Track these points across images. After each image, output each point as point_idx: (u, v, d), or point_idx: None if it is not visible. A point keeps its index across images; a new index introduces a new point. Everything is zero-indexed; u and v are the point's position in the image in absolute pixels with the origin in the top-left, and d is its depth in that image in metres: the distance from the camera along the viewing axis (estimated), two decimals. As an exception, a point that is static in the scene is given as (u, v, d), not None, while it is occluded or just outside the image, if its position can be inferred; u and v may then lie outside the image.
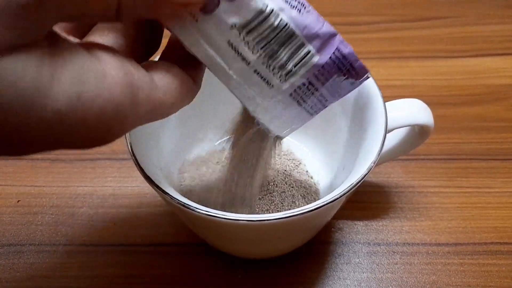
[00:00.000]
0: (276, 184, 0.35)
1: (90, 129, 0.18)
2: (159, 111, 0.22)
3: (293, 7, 0.24)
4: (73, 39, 0.23)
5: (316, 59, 0.25)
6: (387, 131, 0.31)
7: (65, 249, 0.38)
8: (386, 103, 0.32)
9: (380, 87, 0.33)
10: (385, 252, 0.38)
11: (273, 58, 0.25)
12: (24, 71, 0.16)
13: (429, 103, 0.34)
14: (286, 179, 0.36)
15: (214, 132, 0.40)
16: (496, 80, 0.50)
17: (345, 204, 0.32)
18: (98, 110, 0.18)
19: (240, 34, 0.23)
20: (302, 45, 0.25)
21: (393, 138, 0.36)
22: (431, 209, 0.40)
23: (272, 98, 0.27)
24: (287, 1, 0.24)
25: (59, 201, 0.41)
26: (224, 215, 0.27)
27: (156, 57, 0.26)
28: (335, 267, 0.37)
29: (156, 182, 0.28)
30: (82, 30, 0.23)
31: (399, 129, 0.34)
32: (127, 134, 0.30)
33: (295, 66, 0.25)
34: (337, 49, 0.26)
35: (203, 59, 0.24)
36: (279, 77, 0.26)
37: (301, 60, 0.25)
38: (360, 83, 0.27)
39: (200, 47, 0.24)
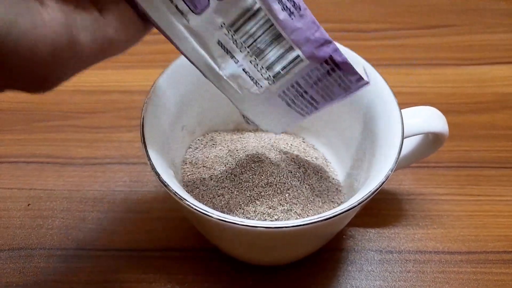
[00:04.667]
0: (290, 188, 0.35)
1: (25, 62, 0.19)
2: (110, 47, 0.23)
3: (285, 8, 0.24)
4: None
5: (304, 64, 0.25)
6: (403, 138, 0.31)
7: (75, 253, 0.38)
8: (401, 110, 0.32)
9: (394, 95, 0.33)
10: (398, 260, 0.38)
11: (261, 58, 0.25)
12: None
13: (439, 111, 0.34)
14: (300, 183, 0.36)
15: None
16: (504, 89, 0.51)
17: (358, 211, 0.32)
18: (30, 44, 0.19)
19: (228, 32, 0.24)
20: (290, 49, 0.25)
21: (407, 146, 0.36)
22: (443, 217, 0.40)
23: (261, 98, 0.27)
24: (280, 2, 0.24)
25: (69, 205, 0.41)
26: (241, 221, 0.27)
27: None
28: (347, 275, 0.37)
29: (173, 187, 0.28)
30: None
31: (412, 137, 0.34)
32: (143, 140, 0.30)
33: (283, 69, 0.25)
34: (330, 57, 0.25)
35: (192, 58, 0.25)
36: (267, 78, 0.26)
37: (289, 64, 0.25)
38: (356, 90, 0.27)
39: (189, 44, 0.24)
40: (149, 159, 0.29)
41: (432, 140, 0.35)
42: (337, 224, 0.31)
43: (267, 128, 0.30)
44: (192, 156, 0.37)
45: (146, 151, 0.30)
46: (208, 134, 0.39)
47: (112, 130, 0.46)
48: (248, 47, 0.25)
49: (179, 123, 0.36)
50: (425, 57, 0.54)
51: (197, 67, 0.26)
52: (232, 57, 0.25)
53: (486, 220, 0.40)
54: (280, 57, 0.25)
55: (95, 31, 0.21)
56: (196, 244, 0.38)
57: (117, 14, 0.22)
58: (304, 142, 0.40)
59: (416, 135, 0.33)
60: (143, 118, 0.31)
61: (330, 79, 0.26)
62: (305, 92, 0.27)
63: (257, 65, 0.25)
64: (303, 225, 0.26)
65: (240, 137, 0.39)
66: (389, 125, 0.32)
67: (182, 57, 0.35)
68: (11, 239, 0.39)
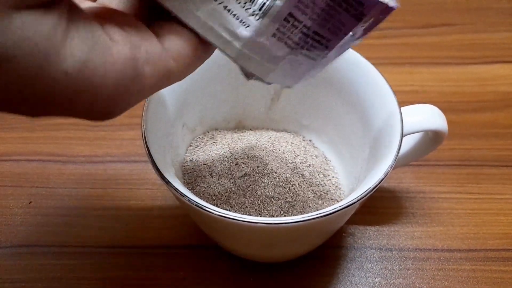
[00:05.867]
0: (290, 186, 0.35)
1: (94, 96, 0.19)
2: (169, 78, 0.22)
3: None
4: (88, 4, 0.23)
5: None
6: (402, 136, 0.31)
7: (76, 251, 0.38)
8: (401, 108, 0.32)
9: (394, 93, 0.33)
10: (397, 258, 0.38)
11: None
12: (42, 26, 0.17)
13: (439, 109, 0.34)
14: (300, 181, 0.36)
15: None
16: (505, 87, 0.50)
17: (357, 209, 0.32)
18: (100, 80, 0.19)
19: None
20: None
21: (406, 144, 0.36)
22: (442, 215, 0.40)
23: (255, 42, 0.23)
24: None
25: (71, 202, 0.41)
26: (242, 217, 0.27)
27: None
28: (347, 272, 0.37)
29: (174, 184, 0.28)
30: None
31: (412, 135, 0.34)
32: (144, 138, 0.30)
33: None
34: None
35: (170, 6, 0.22)
36: (253, 13, 0.22)
37: None
38: (368, 13, 0.22)
39: (189, 11, 0.22)
40: (150, 156, 0.29)
41: (432, 138, 0.35)
42: (337, 221, 0.31)
43: (271, 80, 0.26)
44: (192, 154, 0.37)
45: (148, 149, 0.30)
46: (208, 132, 0.40)
47: (114, 128, 0.46)
48: None
49: (180, 121, 0.36)
50: (427, 56, 0.54)
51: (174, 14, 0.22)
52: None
53: (485, 218, 0.40)
54: None
55: (157, 63, 0.21)
56: (197, 242, 0.38)
57: (174, 42, 0.22)
58: (304, 140, 0.40)
59: (415, 132, 0.33)
60: (144, 116, 0.31)
61: (333, 4, 0.22)
62: (305, 26, 0.23)
63: (239, 1, 0.22)
64: (303, 221, 0.27)
65: (241, 136, 0.39)
66: (388, 123, 0.32)
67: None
68: (13, 236, 0.39)
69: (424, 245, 0.38)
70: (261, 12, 0.22)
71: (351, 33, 0.23)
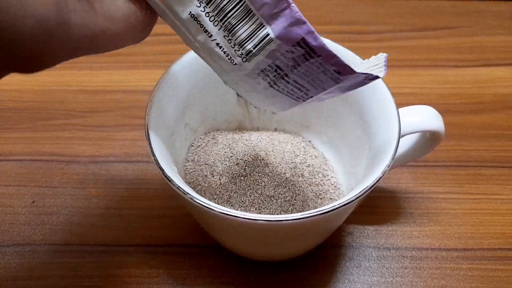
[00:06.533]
0: (290, 186, 0.36)
1: (12, 36, 0.19)
2: (102, 37, 0.22)
3: None
4: None
5: (275, 44, 0.23)
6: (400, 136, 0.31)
7: (79, 249, 0.39)
8: (399, 109, 0.33)
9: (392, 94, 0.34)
10: (395, 257, 0.38)
11: (232, 33, 0.24)
12: None
13: (438, 111, 0.34)
14: (300, 180, 0.37)
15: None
16: (503, 89, 0.51)
17: (356, 208, 0.32)
18: (18, 17, 0.19)
19: (200, 4, 0.23)
20: (261, 26, 0.23)
21: (404, 144, 0.37)
22: (440, 215, 0.41)
23: (239, 74, 0.26)
24: None
25: (74, 202, 0.42)
26: (243, 215, 0.27)
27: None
28: (345, 271, 0.38)
29: (176, 182, 0.29)
30: None
31: (410, 135, 0.35)
32: (148, 137, 0.31)
33: (254, 48, 0.24)
34: (303, 40, 0.23)
35: (173, 28, 0.24)
36: (240, 55, 0.25)
37: (260, 42, 0.24)
38: (346, 78, 0.24)
39: (168, 18, 0.24)
40: (154, 154, 0.30)
41: (429, 139, 0.35)
42: (335, 219, 0.32)
43: (257, 105, 0.29)
44: (194, 154, 0.38)
45: (151, 147, 0.30)
46: (210, 132, 0.40)
47: (116, 129, 0.47)
48: (220, 21, 0.24)
49: (182, 121, 0.37)
50: (426, 59, 0.55)
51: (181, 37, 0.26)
52: (206, 31, 0.24)
53: (482, 218, 0.40)
54: (252, 34, 0.24)
55: (86, 18, 0.21)
56: (198, 241, 0.39)
57: (106, 3, 0.22)
58: (303, 140, 0.40)
59: (413, 133, 0.34)
60: (147, 116, 0.32)
61: (311, 65, 0.24)
62: (286, 75, 0.25)
63: (230, 40, 0.24)
64: (302, 218, 0.27)
65: (242, 136, 0.39)
66: (386, 123, 0.32)
67: (185, 56, 0.36)
68: (17, 235, 0.40)
69: (421, 244, 0.39)
70: (248, 57, 0.25)
71: (325, 88, 0.26)
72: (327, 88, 0.25)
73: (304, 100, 0.27)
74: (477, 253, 0.38)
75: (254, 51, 0.24)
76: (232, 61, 0.25)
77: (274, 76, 0.26)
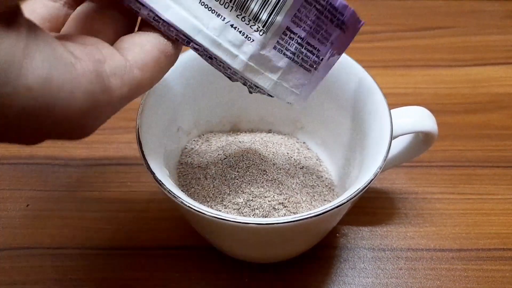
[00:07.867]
0: (284, 187, 0.36)
1: (65, 112, 0.19)
2: (138, 88, 0.23)
3: None
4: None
5: (289, 3, 0.25)
6: (392, 137, 0.31)
7: (74, 252, 0.39)
8: (391, 110, 0.33)
9: (384, 95, 0.33)
10: (390, 258, 0.38)
11: (245, 10, 0.25)
12: (1, 43, 0.17)
13: (432, 111, 0.34)
14: (294, 182, 0.37)
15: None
16: (498, 89, 0.51)
17: (350, 209, 0.32)
18: (68, 95, 0.19)
19: None
20: None
21: (397, 145, 0.37)
22: (435, 215, 0.41)
23: (258, 54, 0.27)
24: None
25: (68, 205, 0.41)
26: (233, 218, 0.27)
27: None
28: (340, 272, 0.38)
29: (167, 186, 0.29)
30: None
31: (403, 136, 0.35)
32: (139, 141, 0.31)
33: (269, 16, 0.25)
34: None
35: (179, 24, 0.24)
36: (257, 29, 0.26)
37: (274, 7, 0.25)
38: (350, 24, 0.27)
39: (173, 11, 0.24)
40: (145, 158, 0.30)
41: (423, 140, 0.35)
42: (328, 221, 0.32)
43: (274, 93, 0.29)
44: (187, 156, 0.38)
45: (142, 152, 0.30)
46: (203, 135, 0.40)
47: (111, 131, 0.46)
48: (230, 1, 0.25)
49: (175, 124, 0.37)
50: (421, 59, 0.55)
51: (185, 35, 0.26)
52: (218, 15, 0.25)
53: (477, 218, 0.40)
54: (264, 3, 0.25)
55: (123, 75, 0.22)
56: (191, 243, 0.39)
57: (136, 53, 0.23)
58: (298, 142, 0.40)
59: (406, 134, 0.34)
60: (139, 119, 0.32)
61: (321, 16, 0.26)
62: (300, 37, 0.27)
63: (244, 18, 0.25)
64: (295, 221, 0.27)
65: (235, 138, 0.39)
66: (378, 125, 0.32)
67: (179, 59, 0.36)
68: (11, 238, 0.39)
69: (416, 245, 0.39)
70: (264, 28, 0.26)
71: (332, 41, 0.28)
72: (334, 42, 0.28)
73: (315, 69, 0.29)
74: (472, 253, 0.38)
75: (270, 19, 0.25)
76: (248, 38, 0.26)
77: (288, 43, 0.27)
